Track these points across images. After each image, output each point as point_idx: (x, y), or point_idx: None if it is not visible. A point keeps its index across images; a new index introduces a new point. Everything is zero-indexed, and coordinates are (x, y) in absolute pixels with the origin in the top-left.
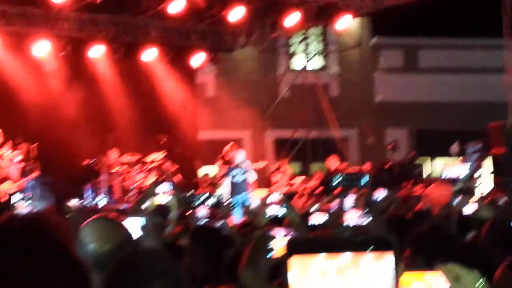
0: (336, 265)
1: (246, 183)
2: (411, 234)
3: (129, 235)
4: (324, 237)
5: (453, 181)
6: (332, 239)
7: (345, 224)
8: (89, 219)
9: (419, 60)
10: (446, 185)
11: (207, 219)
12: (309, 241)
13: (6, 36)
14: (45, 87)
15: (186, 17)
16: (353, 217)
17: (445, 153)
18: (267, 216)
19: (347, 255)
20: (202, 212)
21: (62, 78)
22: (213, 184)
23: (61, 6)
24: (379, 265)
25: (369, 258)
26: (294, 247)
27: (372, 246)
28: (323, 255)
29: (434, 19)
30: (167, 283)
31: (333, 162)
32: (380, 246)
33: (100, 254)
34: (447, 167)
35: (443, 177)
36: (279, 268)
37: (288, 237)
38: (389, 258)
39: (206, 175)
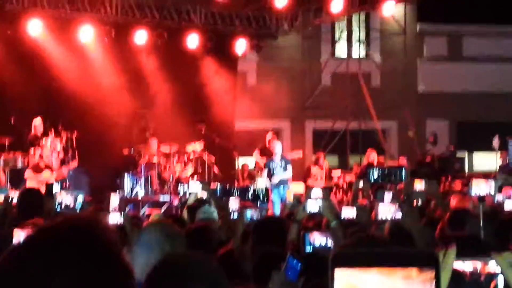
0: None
1: (285, 175)
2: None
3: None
4: (370, 250)
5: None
6: (380, 253)
7: (378, 218)
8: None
9: (463, 48)
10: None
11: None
12: (355, 254)
13: (51, 20)
14: (88, 73)
15: (230, 3)
16: (387, 211)
17: (486, 146)
18: (305, 211)
19: (396, 272)
20: (234, 204)
21: (105, 64)
22: (251, 176)
23: None
24: (423, 281)
25: (413, 273)
26: (340, 260)
27: (419, 262)
28: (372, 271)
29: (480, 6)
30: (206, 286)
31: (371, 156)
32: (426, 261)
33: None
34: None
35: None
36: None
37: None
38: (433, 273)
39: (245, 165)
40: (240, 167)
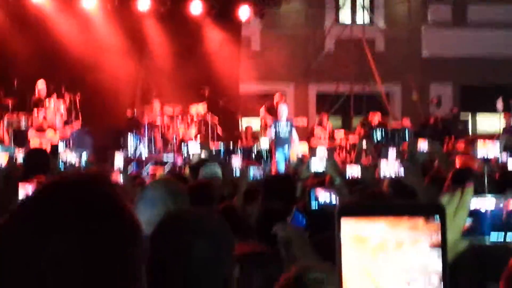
0: (393, 234)
1: (290, 136)
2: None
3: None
4: (377, 202)
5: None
6: (386, 204)
7: (382, 175)
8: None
9: (467, 15)
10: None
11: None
12: (362, 205)
13: None
14: (91, 38)
15: None
16: (390, 168)
17: (490, 108)
18: (309, 170)
19: (402, 222)
20: (237, 163)
21: (108, 31)
22: (255, 136)
23: None
24: (427, 228)
25: (420, 224)
26: (347, 210)
27: (425, 211)
28: (378, 221)
29: None
30: (210, 242)
31: (375, 117)
32: (432, 211)
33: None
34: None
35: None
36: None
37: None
38: (439, 224)
39: (248, 127)
40: (243, 129)
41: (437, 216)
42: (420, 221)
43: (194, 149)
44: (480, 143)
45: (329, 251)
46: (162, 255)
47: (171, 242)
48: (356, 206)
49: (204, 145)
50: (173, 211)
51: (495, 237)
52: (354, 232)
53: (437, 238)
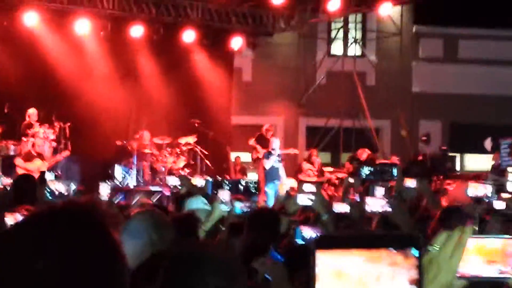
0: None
1: (279, 170)
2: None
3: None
4: (354, 234)
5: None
6: (362, 235)
7: (368, 211)
8: (136, 213)
9: (458, 51)
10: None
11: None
12: (337, 237)
13: (48, 13)
14: (83, 65)
15: (227, 0)
16: (377, 205)
17: (479, 146)
18: (296, 205)
19: (382, 258)
20: (225, 196)
21: (100, 58)
22: (243, 169)
23: None
24: (406, 263)
25: (399, 259)
26: (323, 242)
27: (401, 244)
28: (355, 254)
29: (475, 9)
30: (223, 278)
31: (363, 154)
32: (409, 243)
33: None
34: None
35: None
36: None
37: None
38: (415, 255)
39: (237, 158)
40: (233, 160)
41: (414, 248)
42: (399, 256)
43: (172, 182)
44: (471, 184)
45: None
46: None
47: (183, 280)
48: (333, 238)
49: (183, 178)
50: (184, 246)
51: None
52: (333, 267)
53: (416, 273)
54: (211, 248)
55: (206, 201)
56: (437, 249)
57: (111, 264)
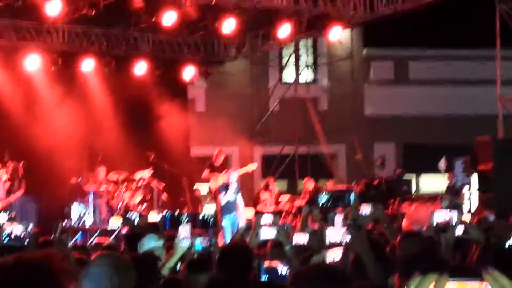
0: None
1: (236, 201)
2: (399, 258)
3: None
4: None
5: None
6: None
7: (328, 242)
8: (96, 257)
9: (409, 72)
10: (428, 205)
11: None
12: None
13: None
14: (35, 102)
15: (178, 30)
16: (337, 235)
17: (433, 167)
18: (258, 238)
19: None
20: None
21: (52, 93)
22: (200, 202)
23: (54, 19)
24: None
25: None
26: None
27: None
28: None
29: (425, 30)
30: None
31: (308, 184)
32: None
33: None
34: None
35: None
36: None
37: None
38: None
39: (196, 190)
40: (191, 192)
41: None
42: None
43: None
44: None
45: None
46: None
47: None
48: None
49: (127, 220)
50: None
51: None
52: None
53: None
54: None
55: (156, 237)
56: None
57: None
